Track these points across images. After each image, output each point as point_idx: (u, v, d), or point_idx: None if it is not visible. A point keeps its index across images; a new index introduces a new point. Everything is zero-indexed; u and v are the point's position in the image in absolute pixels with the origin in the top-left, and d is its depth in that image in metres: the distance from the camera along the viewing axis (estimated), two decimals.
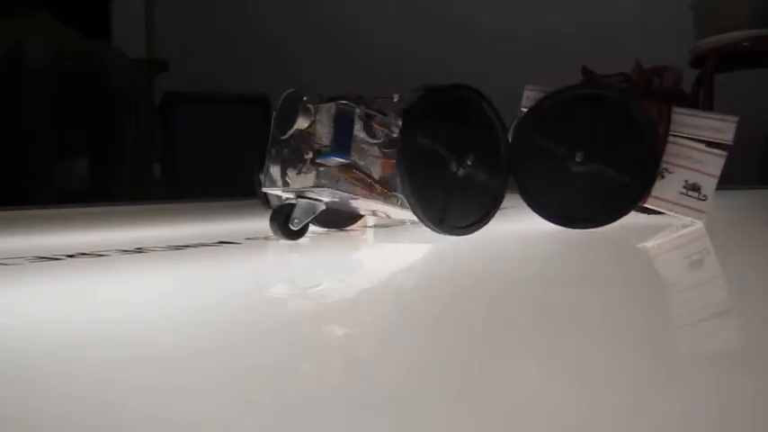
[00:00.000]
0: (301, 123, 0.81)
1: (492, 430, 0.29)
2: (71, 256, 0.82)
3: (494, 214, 0.89)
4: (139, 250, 0.86)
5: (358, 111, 0.81)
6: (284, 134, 0.82)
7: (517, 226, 0.99)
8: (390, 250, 0.89)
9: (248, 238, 0.93)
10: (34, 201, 2.05)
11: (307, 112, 0.81)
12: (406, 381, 0.35)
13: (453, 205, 0.84)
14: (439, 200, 0.83)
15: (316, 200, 0.86)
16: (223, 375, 0.36)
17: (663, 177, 0.94)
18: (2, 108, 2.16)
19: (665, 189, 0.94)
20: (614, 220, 0.92)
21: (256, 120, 2.55)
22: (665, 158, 0.94)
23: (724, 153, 0.92)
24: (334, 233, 1.01)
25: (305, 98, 0.82)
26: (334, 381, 0.36)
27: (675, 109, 0.93)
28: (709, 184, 0.93)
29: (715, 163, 0.93)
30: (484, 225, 0.88)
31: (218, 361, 0.39)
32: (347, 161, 0.80)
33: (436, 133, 0.84)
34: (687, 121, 0.93)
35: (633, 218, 0.98)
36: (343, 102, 0.81)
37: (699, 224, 0.95)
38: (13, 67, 2.15)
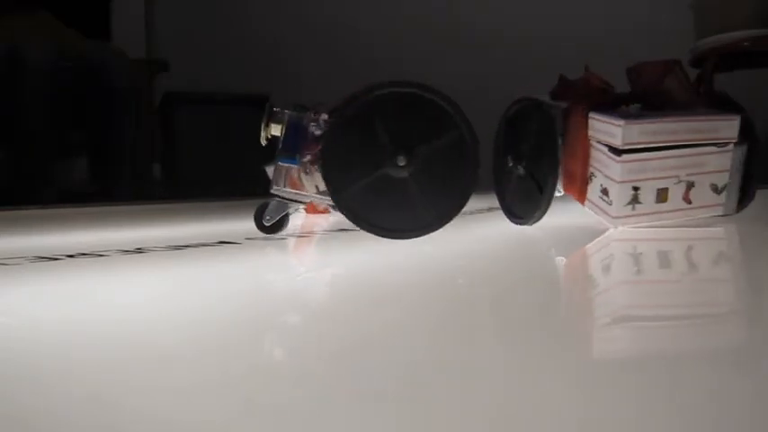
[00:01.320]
0: (275, 130, 0.88)
1: (492, 430, 0.29)
2: (71, 256, 0.82)
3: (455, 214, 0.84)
4: (139, 250, 0.86)
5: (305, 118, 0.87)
6: (261, 141, 0.90)
7: (515, 226, 0.98)
8: (390, 250, 0.89)
9: (248, 238, 0.93)
10: (34, 201, 2.04)
11: (277, 119, 0.88)
12: (407, 381, 0.35)
13: (384, 207, 0.84)
14: (375, 205, 0.83)
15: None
16: (223, 375, 0.36)
17: (591, 181, 0.94)
18: (2, 108, 2.15)
19: (592, 192, 0.94)
20: (535, 219, 0.94)
21: (256, 120, 2.54)
22: (591, 162, 0.94)
23: (617, 157, 0.89)
24: (337, 233, 1.01)
25: (275, 108, 0.89)
26: (334, 381, 0.36)
27: (591, 114, 0.93)
28: (613, 189, 0.90)
29: (614, 167, 0.90)
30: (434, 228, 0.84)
31: (218, 361, 0.39)
32: (295, 165, 0.87)
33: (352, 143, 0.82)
34: (594, 126, 0.92)
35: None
36: (295, 109, 0.88)
37: (615, 229, 0.92)
38: (13, 67, 2.14)
